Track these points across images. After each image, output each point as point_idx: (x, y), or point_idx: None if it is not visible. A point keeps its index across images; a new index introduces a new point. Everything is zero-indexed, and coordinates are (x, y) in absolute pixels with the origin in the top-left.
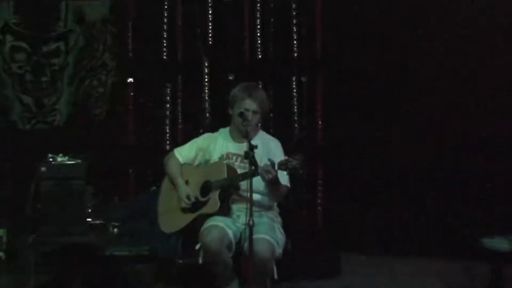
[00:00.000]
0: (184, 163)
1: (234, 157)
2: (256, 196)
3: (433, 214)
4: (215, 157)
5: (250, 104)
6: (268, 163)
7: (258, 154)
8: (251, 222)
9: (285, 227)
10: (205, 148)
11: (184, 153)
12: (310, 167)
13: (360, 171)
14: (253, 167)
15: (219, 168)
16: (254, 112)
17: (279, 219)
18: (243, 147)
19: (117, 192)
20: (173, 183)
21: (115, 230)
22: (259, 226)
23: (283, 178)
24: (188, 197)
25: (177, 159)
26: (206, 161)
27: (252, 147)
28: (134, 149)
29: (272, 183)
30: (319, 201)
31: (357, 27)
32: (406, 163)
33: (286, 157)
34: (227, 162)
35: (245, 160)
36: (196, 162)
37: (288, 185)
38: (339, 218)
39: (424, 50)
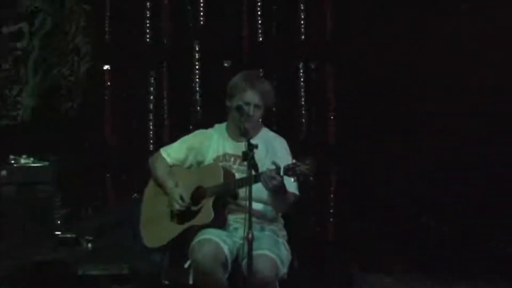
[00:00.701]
0: (173, 165)
1: (232, 159)
2: (257, 206)
3: (460, 227)
4: (209, 159)
5: (251, 97)
6: (272, 167)
7: (260, 156)
8: (250, 236)
9: (291, 241)
10: (197, 147)
11: (172, 153)
12: (321, 170)
13: (378, 174)
14: (252, 171)
15: (214, 172)
16: (256, 106)
17: (283, 232)
18: (242, 147)
19: (91, 200)
20: (160, 187)
21: (89, 245)
22: (260, 241)
23: (291, 184)
24: (182, 198)
25: (165, 160)
26: (199, 163)
27: (251, 147)
28: (112, 149)
29: (277, 191)
30: (331, 210)
31: (373, 3)
32: (431, 164)
33: (294, 161)
34: (223, 164)
35: (245, 163)
36: (187, 164)
37: (297, 192)
38: (354, 230)
39: (446, 37)
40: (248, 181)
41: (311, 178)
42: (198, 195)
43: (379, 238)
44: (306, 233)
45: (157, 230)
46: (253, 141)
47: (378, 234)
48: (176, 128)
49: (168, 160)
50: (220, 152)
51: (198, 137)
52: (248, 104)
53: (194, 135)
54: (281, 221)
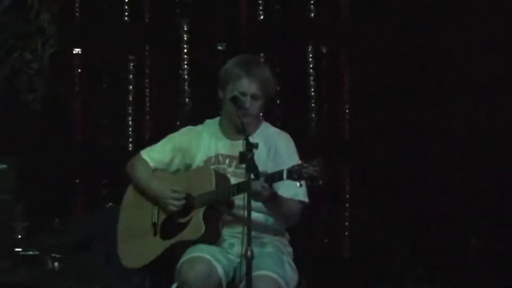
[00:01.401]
0: (156, 169)
1: (227, 161)
2: (257, 216)
3: (493, 241)
4: (198, 161)
5: (248, 86)
6: (266, 175)
7: (260, 157)
8: (249, 253)
9: (298, 259)
10: (185, 147)
11: (155, 155)
12: (333, 173)
13: (399, 176)
14: (252, 176)
15: (205, 176)
16: (254, 97)
17: (289, 249)
18: (238, 146)
19: (58, 211)
20: (142, 194)
21: (56, 264)
22: (261, 259)
23: (296, 190)
24: (176, 196)
25: (146, 164)
26: (187, 166)
27: (250, 147)
28: (83, 150)
29: (270, 202)
30: (346, 222)
31: None
32: (460, 163)
33: (299, 162)
34: (215, 167)
35: (242, 165)
36: (173, 168)
37: (304, 199)
38: (372, 243)
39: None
40: (246, 187)
41: (320, 182)
42: (186, 204)
43: (402, 251)
44: (315, 248)
45: (137, 247)
46: (252, 139)
47: (401, 246)
48: (160, 124)
49: (151, 163)
50: (211, 153)
51: (185, 135)
52: (244, 94)
53: (180, 133)
54: (287, 236)
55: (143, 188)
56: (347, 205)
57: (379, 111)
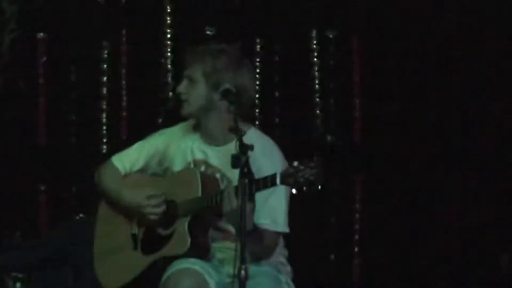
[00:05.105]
0: (130, 174)
1: (202, 167)
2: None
3: None
4: (178, 165)
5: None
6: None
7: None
8: (243, 273)
9: (299, 279)
10: (161, 150)
11: (127, 161)
12: (342, 181)
13: (422, 186)
14: (246, 182)
15: (189, 180)
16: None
17: (287, 267)
18: (215, 151)
19: (20, 224)
20: (115, 206)
21: (18, 285)
22: (256, 279)
23: (275, 217)
24: (153, 203)
25: (117, 171)
26: (166, 169)
27: (245, 148)
28: (48, 153)
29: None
30: (356, 236)
31: None
32: (490, 170)
33: (295, 165)
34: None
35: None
36: (149, 173)
37: (284, 230)
38: (386, 261)
39: None
40: (241, 193)
41: (320, 187)
42: (168, 213)
43: (422, 273)
44: (320, 267)
45: (116, 264)
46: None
47: (421, 268)
48: (139, 122)
49: (122, 171)
50: (188, 158)
51: (160, 137)
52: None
53: (154, 136)
54: (284, 252)
55: (113, 199)
56: (357, 215)
57: (396, 108)
